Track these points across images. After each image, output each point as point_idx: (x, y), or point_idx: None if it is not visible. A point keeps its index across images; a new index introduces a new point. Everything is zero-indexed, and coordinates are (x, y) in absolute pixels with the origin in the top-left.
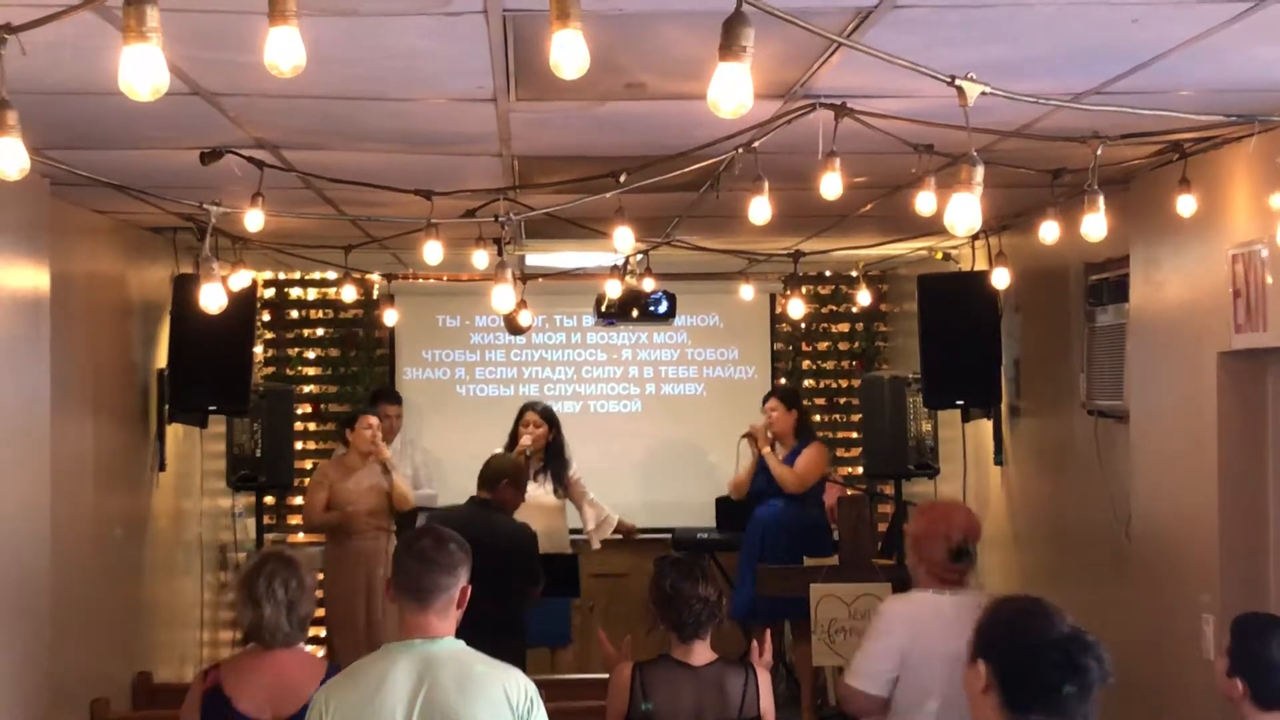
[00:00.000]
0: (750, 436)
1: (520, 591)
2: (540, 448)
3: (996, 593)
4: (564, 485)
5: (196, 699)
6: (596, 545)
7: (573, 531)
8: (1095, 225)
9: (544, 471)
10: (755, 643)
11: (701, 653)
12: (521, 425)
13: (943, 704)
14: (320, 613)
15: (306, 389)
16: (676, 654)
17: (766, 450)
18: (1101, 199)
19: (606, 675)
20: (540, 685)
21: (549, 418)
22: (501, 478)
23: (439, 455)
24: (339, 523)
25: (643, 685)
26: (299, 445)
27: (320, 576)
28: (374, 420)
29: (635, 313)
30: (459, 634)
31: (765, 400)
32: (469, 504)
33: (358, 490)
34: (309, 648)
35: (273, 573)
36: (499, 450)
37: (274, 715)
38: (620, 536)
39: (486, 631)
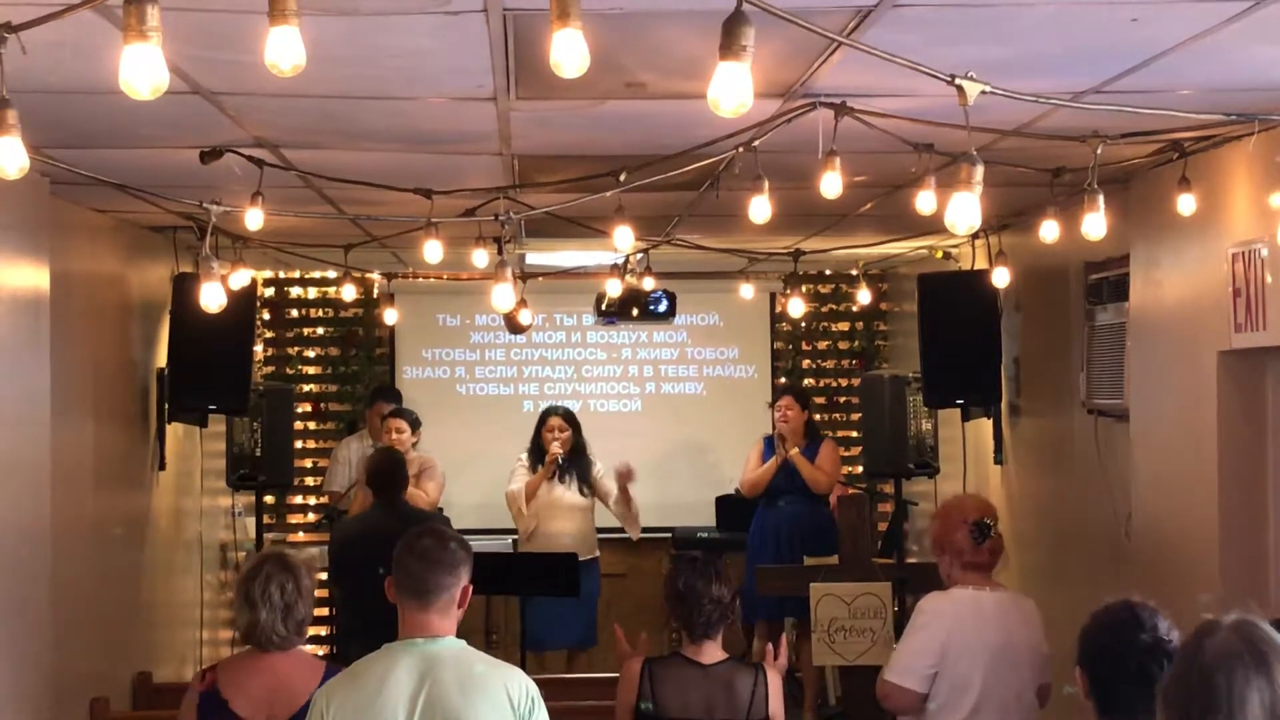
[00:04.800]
0: (781, 438)
1: None
2: (566, 451)
3: (1030, 596)
4: (590, 484)
5: (193, 700)
6: (635, 537)
7: (603, 530)
8: (1095, 224)
9: (570, 473)
10: (770, 645)
11: (711, 652)
12: (546, 430)
13: (980, 698)
14: (322, 612)
15: (306, 388)
16: (687, 652)
17: (794, 452)
18: (1101, 198)
19: (616, 674)
20: (543, 685)
21: (571, 420)
22: (397, 474)
23: (438, 455)
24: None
25: (651, 681)
26: (299, 444)
27: (322, 577)
28: (403, 424)
29: (635, 312)
30: (381, 631)
31: (777, 398)
32: (376, 507)
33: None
34: (309, 648)
35: (269, 576)
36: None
37: (270, 718)
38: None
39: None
